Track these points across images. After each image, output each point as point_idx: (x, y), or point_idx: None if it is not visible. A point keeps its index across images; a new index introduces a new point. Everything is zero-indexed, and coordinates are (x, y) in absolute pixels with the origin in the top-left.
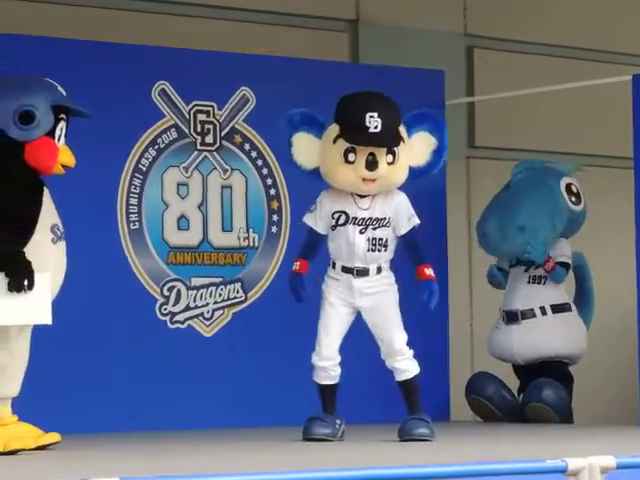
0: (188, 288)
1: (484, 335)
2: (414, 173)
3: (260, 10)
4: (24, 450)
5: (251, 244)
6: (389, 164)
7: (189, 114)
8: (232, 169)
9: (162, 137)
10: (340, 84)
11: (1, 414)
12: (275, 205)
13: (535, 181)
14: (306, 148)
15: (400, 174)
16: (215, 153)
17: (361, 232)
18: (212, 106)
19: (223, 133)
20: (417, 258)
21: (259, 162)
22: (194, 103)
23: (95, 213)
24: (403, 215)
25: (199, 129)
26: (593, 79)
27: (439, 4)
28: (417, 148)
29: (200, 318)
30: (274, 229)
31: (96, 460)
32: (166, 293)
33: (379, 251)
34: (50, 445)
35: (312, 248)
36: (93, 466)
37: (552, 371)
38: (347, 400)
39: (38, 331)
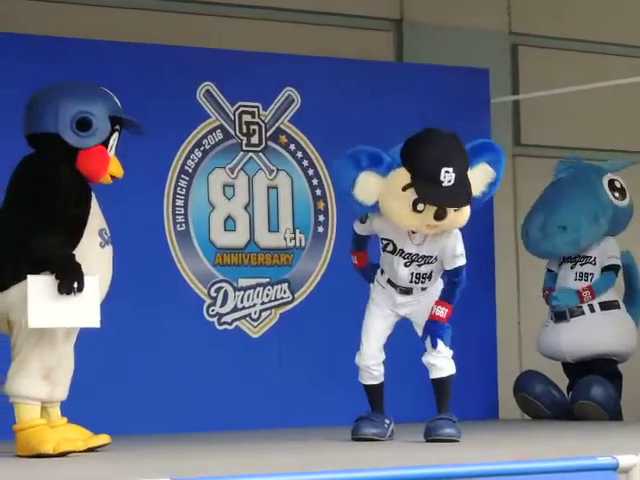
0: (235, 289)
1: (532, 334)
2: None
3: (304, 10)
4: (74, 452)
5: (298, 244)
6: (455, 211)
7: (234, 115)
8: (278, 169)
9: (207, 138)
10: (385, 84)
11: (50, 416)
12: (321, 205)
13: (577, 179)
14: (370, 187)
15: (463, 218)
16: (261, 154)
17: (406, 265)
18: (257, 107)
19: (268, 134)
20: (443, 294)
21: (305, 162)
22: (239, 104)
23: (142, 215)
24: (449, 253)
25: (244, 130)
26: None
27: (483, 2)
28: (476, 180)
29: (247, 319)
30: (320, 229)
31: (146, 461)
32: (213, 294)
33: (422, 282)
34: (100, 447)
35: (363, 241)
36: (143, 467)
37: (601, 369)
38: (398, 399)
39: (86, 333)
